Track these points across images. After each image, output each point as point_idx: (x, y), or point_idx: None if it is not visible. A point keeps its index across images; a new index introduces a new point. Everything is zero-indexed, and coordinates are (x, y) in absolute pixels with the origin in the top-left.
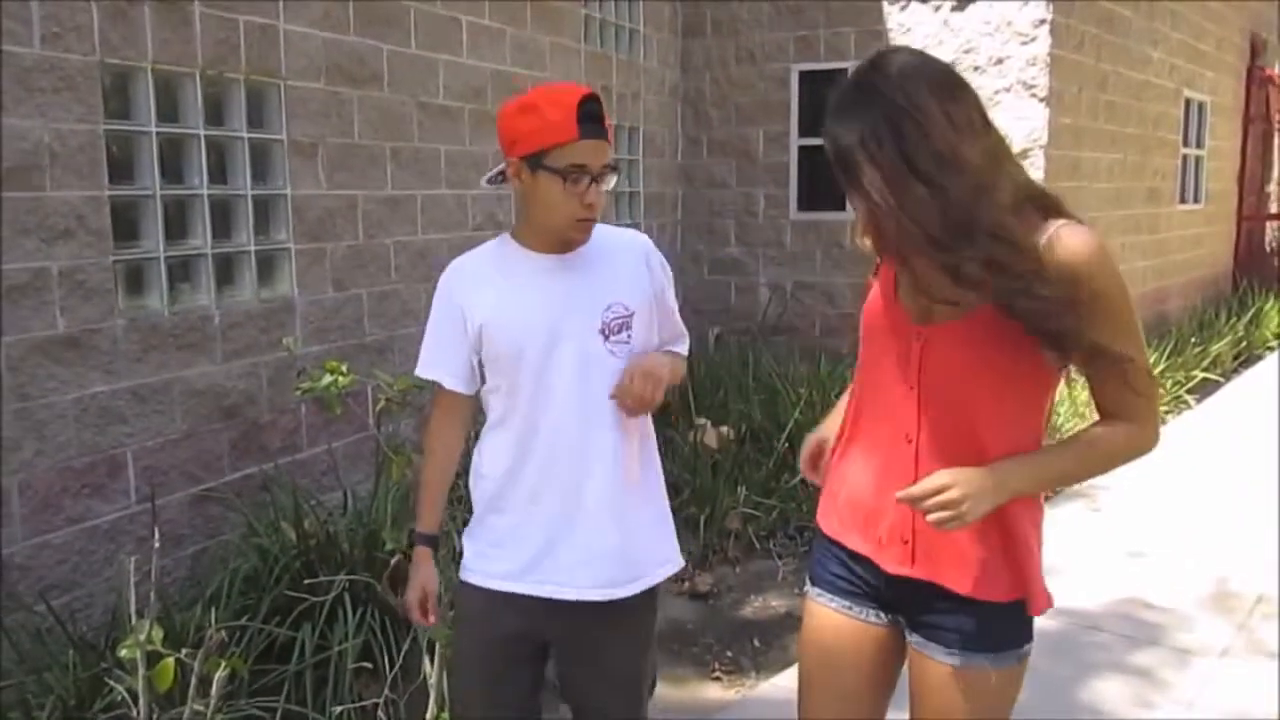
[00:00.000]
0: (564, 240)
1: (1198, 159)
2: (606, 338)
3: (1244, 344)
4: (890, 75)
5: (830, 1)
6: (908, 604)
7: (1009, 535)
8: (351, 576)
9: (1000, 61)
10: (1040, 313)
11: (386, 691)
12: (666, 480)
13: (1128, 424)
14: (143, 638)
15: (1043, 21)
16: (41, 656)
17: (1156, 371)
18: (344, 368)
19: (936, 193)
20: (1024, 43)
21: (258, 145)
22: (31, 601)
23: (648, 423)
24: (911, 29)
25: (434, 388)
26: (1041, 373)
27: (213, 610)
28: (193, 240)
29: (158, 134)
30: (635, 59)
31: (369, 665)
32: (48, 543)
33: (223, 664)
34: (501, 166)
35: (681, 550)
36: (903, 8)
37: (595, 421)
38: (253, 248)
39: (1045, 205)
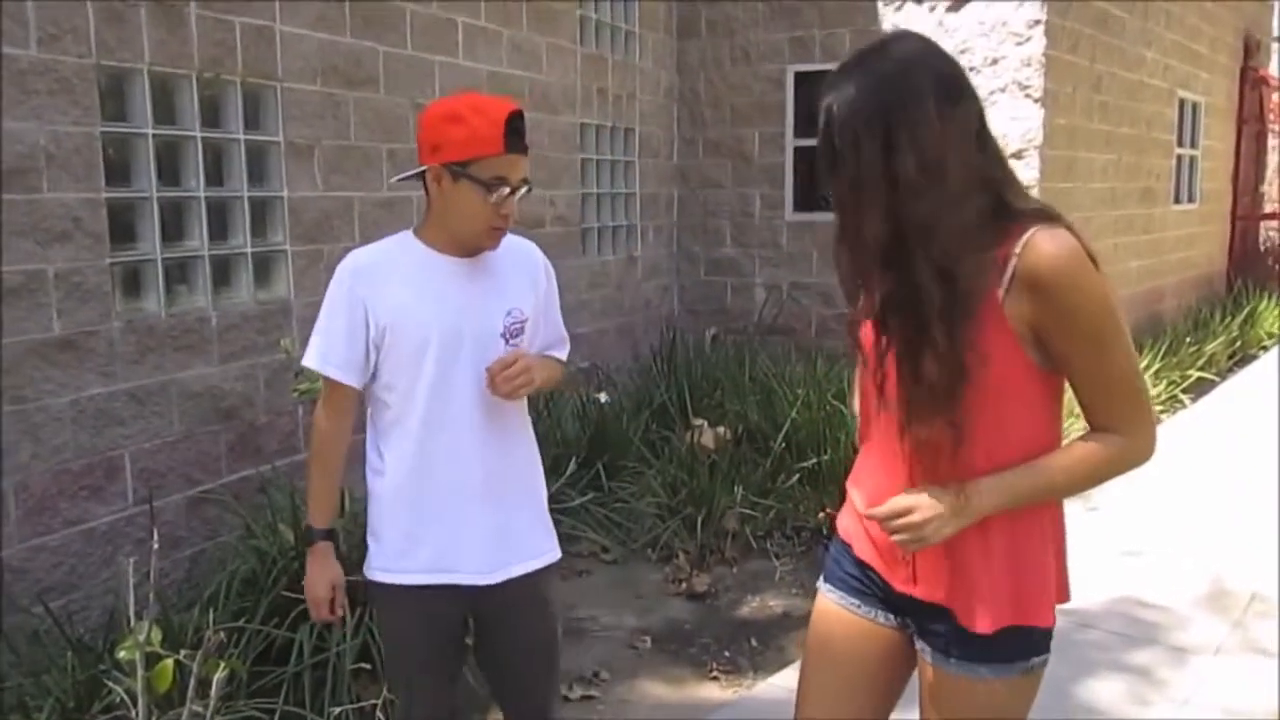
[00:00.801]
0: (475, 247)
1: (1192, 159)
2: (507, 341)
3: (1239, 343)
4: (894, 58)
5: (825, 2)
6: (914, 612)
7: (1012, 558)
8: (350, 578)
9: (995, 62)
10: (927, 363)
11: (385, 693)
12: (664, 481)
13: (1118, 436)
14: (142, 639)
15: (1037, 22)
16: (40, 659)
17: (1151, 372)
18: None
19: (897, 205)
20: (1019, 43)
21: (254, 147)
22: (29, 604)
23: (526, 420)
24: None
25: (328, 382)
26: (1034, 376)
27: (211, 612)
28: (189, 242)
29: (154, 136)
30: (631, 60)
31: (367, 666)
32: (45, 545)
33: (222, 665)
34: (421, 169)
35: (679, 550)
36: (897, 8)
37: (495, 419)
38: (249, 250)
39: (1031, 214)
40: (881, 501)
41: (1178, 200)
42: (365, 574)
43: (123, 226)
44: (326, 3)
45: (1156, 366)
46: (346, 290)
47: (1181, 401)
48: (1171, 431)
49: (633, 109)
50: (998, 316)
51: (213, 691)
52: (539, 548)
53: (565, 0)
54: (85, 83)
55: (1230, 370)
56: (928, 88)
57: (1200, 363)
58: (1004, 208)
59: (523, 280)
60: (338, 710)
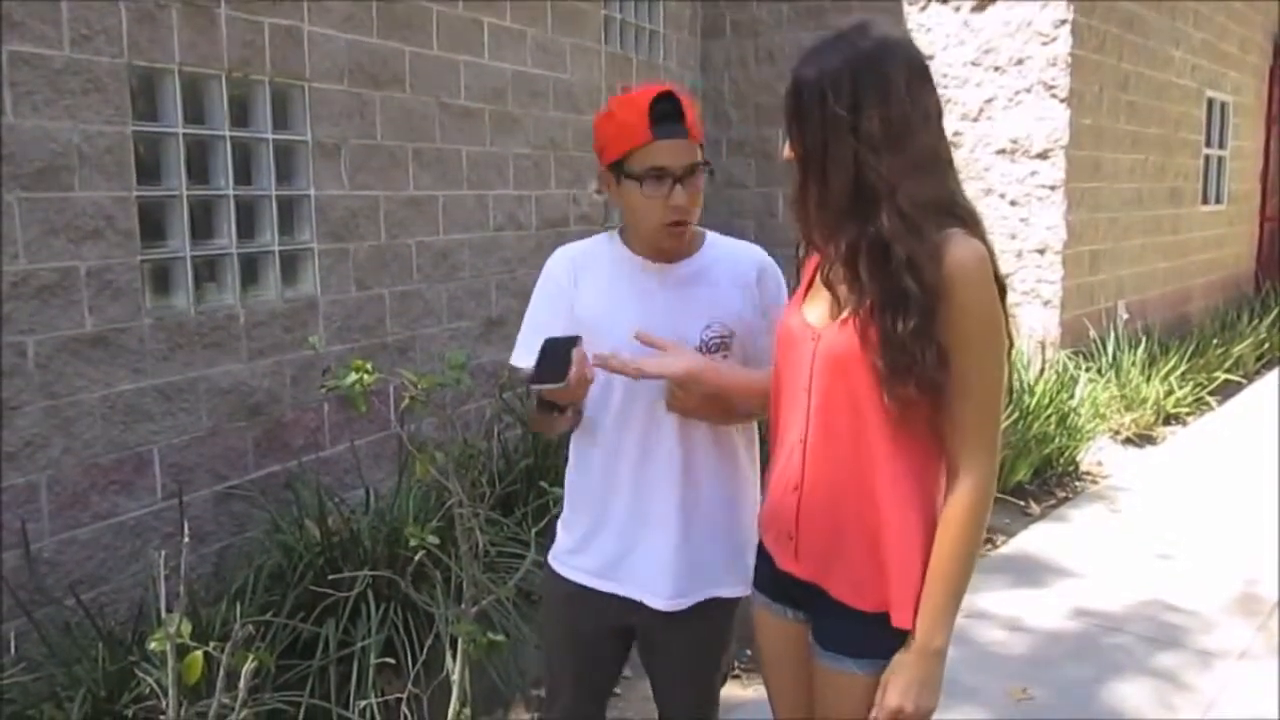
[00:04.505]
0: (660, 248)
1: (1220, 159)
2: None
3: (1266, 345)
4: (871, 37)
5: (849, 3)
6: (805, 601)
7: (886, 547)
8: (374, 573)
9: (1021, 62)
10: (900, 314)
11: (410, 687)
12: None
13: (966, 480)
14: (173, 630)
15: (1063, 22)
16: (70, 649)
17: (1177, 374)
18: (369, 366)
19: (864, 157)
20: (1045, 43)
21: (282, 146)
22: (60, 595)
23: (735, 442)
24: (931, 29)
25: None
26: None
27: (238, 605)
28: (218, 240)
29: (184, 135)
30: (655, 60)
31: (391, 661)
32: (75, 538)
33: (250, 658)
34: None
35: None
36: (922, 8)
37: (676, 436)
38: (277, 248)
39: (962, 219)
40: (779, 494)
41: (1205, 201)
42: (547, 558)
43: (153, 224)
44: (354, 3)
45: (1183, 369)
46: (552, 282)
47: (1208, 404)
48: (1197, 433)
49: None
50: None
51: (241, 683)
52: (718, 580)
53: (590, 1)
54: (117, 82)
55: (1258, 373)
56: (900, 64)
57: (1227, 365)
58: (949, 203)
59: (731, 289)
60: (362, 704)
